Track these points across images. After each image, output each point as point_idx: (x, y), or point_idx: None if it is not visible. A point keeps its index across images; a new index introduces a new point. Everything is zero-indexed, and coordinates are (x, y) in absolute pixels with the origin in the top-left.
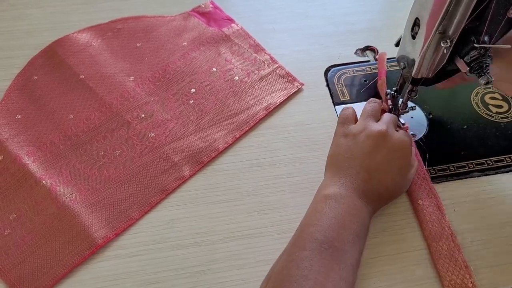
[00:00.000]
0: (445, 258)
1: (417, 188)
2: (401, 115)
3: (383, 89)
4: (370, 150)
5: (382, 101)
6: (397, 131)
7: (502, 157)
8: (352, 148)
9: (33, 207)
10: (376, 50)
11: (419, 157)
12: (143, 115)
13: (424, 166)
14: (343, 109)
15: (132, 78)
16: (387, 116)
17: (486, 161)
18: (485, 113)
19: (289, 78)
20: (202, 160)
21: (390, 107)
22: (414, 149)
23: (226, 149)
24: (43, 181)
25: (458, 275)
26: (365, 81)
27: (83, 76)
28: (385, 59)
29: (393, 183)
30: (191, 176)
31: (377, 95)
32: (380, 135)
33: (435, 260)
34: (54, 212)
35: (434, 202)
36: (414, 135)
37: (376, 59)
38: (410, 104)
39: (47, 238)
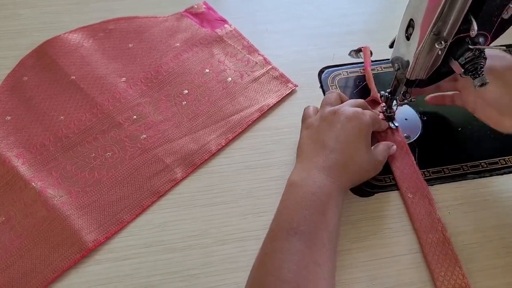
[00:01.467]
0: (435, 250)
1: (407, 183)
2: (395, 117)
3: (370, 80)
4: (325, 129)
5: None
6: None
7: (496, 159)
8: (311, 135)
9: (22, 210)
10: (370, 51)
11: (408, 149)
12: (135, 117)
13: (415, 162)
14: (304, 108)
15: (124, 79)
16: (346, 101)
17: (480, 163)
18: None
19: (282, 79)
20: (194, 162)
21: (384, 108)
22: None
23: (219, 151)
24: (33, 184)
25: (448, 267)
26: (359, 82)
27: (74, 77)
28: (369, 52)
29: (358, 154)
30: (183, 179)
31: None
32: (331, 113)
33: (425, 252)
34: (43, 215)
35: (424, 195)
36: (408, 137)
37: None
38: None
39: (36, 242)
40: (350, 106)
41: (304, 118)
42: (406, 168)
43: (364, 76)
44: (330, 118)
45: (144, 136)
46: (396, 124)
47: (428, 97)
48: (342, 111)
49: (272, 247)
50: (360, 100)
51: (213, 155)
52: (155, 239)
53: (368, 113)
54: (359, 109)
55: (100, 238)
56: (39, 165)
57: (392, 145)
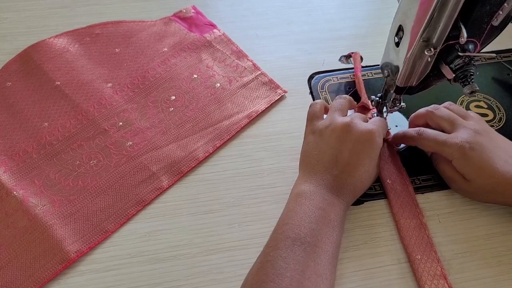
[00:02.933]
0: (412, 234)
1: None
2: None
3: (360, 86)
4: (337, 144)
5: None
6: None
7: None
8: (319, 144)
9: (3, 220)
10: (360, 56)
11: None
12: (120, 123)
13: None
14: (311, 105)
15: (110, 84)
16: (356, 113)
17: None
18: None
19: (272, 85)
20: (181, 170)
21: (374, 113)
22: (385, 131)
23: (206, 158)
24: (14, 192)
25: (424, 251)
26: (349, 88)
27: (59, 83)
28: (359, 58)
29: (366, 175)
30: (169, 187)
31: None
32: (344, 128)
33: (402, 235)
34: (25, 225)
35: (403, 182)
36: (398, 144)
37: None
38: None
39: (17, 252)
40: (360, 116)
41: (311, 118)
42: (388, 162)
43: (354, 82)
44: (342, 134)
45: (130, 143)
46: (388, 128)
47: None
48: (355, 127)
49: (274, 254)
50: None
51: (200, 162)
52: (140, 249)
53: (381, 130)
54: (373, 127)
55: (83, 249)
56: (21, 173)
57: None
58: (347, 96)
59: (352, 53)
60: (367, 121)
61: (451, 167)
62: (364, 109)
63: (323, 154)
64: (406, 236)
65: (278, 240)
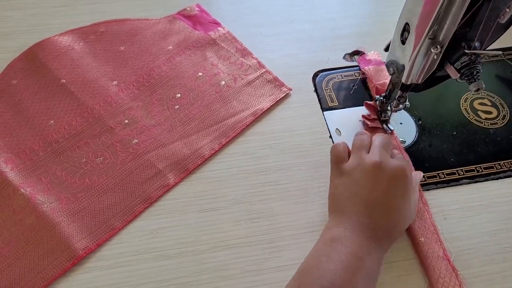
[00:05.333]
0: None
1: (416, 223)
2: (390, 120)
3: (370, 80)
4: (369, 185)
5: (365, 102)
6: (392, 156)
7: (491, 164)
8: (349, 186)
9: (11, 217)
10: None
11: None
12: (126, 121)
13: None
14: (333, 146)
15: (115, 82)
16: (378, 141)
17: (476, 168)
18: (474, 119)
19: (276, 83)
20: (187, 168)
21: (379, 111)
22: (399, 144)
23: (212, 156)
24: (22, 190)
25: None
26: (353, 86)
27: (64, 81)
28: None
29: (401, 214)
30: (176, 184)
31: (365, 99)
32: (376, 167)
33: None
34: (33, 222)
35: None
36: (403, 142)
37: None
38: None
39: (25, 249)
40: (384, 148)
41: (337, 161)
42: None
43: (357, 79)
44: (374, 173)
45: (136, 140)
46: (392, 128)
47: None
48: (386, 165)
49: None
50: (386, 135)
51: (206, 160)
52: (147, 246)
53: (408, 164)
54: (403, 162)
55: (91, 246)
56: (28, 170)
57: (420, 174)
58: (366, 132)
59: (356, 50)
60: (390, 151)
61: None
62: (372, 108)
63: (355, 197)
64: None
65: (307, 286)
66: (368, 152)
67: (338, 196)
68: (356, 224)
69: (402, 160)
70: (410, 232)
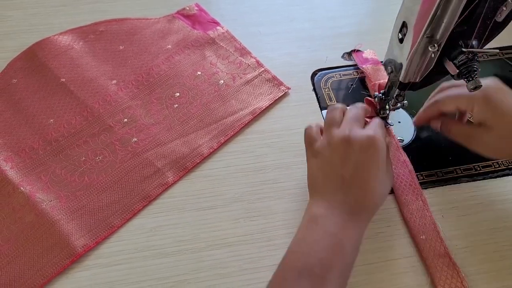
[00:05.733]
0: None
1: (417, 222)
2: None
3: (369, 78)
4: (340, 161)
5: (366, 98)
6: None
7: (490, 163)
8: (323, 166)
9: (10, 215)
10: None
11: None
12: (125, 120)
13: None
14: (305, 129)
15: (114, 81)
16: (349, 115)
17: (474, 166)
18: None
19: (275, 82)
20: (186, 166)
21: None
22: (384, 131)
23: (210, 154)
24: (21, 188)
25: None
26: (351, 85)
27: (64, 80)
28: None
29: (376, 185)
30: (174, 182)
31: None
32: (343, 141)
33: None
34: (32, 220)
35: (418, 197)
36: (401, 140)
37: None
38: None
39: (25, 247)
40: (355, 120)
41: (309, 142)
42: (401, 169)
43: (356, 78)
44: (342, 148)
45: (135, 139)
46: (391, 123)
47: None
48: (355, 138)
49: (281, 286)
50: (360, 106)
51: (205, 158)
52: (146, 244)
53: (380, 131)
54: (372, 132)
55: (90, 243)
56: (28, 169)
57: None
58: (337, 104)
59: (355, 50)
60: (363, 122)
61: (468, 124)
62: (371, 104)
63: (328, 174)
64: (410, 218)
65: (284, 270)
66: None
67: (313, 177)
68: (331, 202)
69: (373, 128)
70: (410, 230)
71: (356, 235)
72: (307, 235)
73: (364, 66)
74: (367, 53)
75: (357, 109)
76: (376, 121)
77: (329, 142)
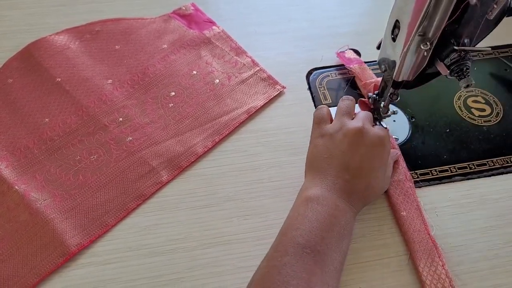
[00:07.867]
0: (399, 192)
1: (400, 199)
2: (383, 119)
3: (358, 77)
4: (349, 148)
5: (360, 99)
6: (373, 126)
7: (484, 161)
8: (330, 148)
9: (4, 214)
10: (358, 52)
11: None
12: (121, 119)
13: (408, 172)
14: (317, 109)
15: (110, 81)
16: (362, 112)
17: (468, 165)
18: (468, 117)
19: (270, 81)
20: (180, 165)
21: (372, 109)
22: (392, 141)
23: (205, 153)
24: (16, 187)
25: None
26: (346, 84)
27: (59, 79)
28: (350, 53)
29: (376, 180)
30: (169, 181)
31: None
32: (357, 132)
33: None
34: (26, 219)
35: (417, 213)
36: (396, 139)
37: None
38: (392, 108)
39: (19, 246)
40: (369, 120)
41: (318, 121)
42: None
43: (352, 77)
44: (355, 138)
45: (130, 138)
46: (385, 126)
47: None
48: (367, 133)
49: (282, 260)
50: (369, 114)
51: (200, 157)
52: (139, 243)
53: (388, 135)
54: (382, 134)
55: (84, 242)
56: (23, 168)
57: (396, 153)
58: (351, 97)
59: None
60: (372, 124)
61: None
62: (365, 105)
63: (334, 158)
64: (394, 195)
65: (287, 245)
66: (352, 119)
67: (316, 156)
68: (332, 185)
69: (383, 130)
70: (392, 206)
71: (351, 220)
72: (309, 214)
73: (351, 66)
74: (348, 53)
75: (367, 112)
76: (382, 128)
77: (342, 127)
